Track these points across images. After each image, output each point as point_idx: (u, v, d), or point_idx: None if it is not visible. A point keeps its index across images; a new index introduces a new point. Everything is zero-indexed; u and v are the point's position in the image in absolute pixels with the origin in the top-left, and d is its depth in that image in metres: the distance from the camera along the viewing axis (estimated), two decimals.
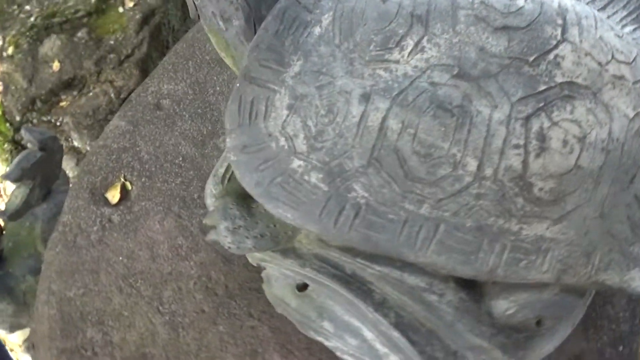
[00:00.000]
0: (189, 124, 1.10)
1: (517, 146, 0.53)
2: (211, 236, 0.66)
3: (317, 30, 0.61)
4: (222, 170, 0.74)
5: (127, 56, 1.75)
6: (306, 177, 0.57)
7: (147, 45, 1.78)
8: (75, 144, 1.65)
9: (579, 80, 0.54)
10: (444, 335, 0.64)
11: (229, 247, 0.64)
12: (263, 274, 0.76)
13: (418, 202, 0.55)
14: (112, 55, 1.72)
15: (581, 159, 0.55)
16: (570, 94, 0.53)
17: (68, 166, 1.58)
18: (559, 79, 0.53)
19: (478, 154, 0.53)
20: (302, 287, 0.71)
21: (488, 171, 0.53)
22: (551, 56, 0.54)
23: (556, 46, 0.54)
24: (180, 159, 1.06)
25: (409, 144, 0.54)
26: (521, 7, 0.56)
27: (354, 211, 0.57)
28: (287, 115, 0.59)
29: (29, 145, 1.18)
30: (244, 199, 0.68)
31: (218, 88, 1.16)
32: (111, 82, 1.72)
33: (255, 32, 0.64)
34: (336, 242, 0.61)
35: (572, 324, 0.71)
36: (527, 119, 0.53)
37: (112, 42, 1.73)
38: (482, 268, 0.57)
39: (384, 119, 0.54)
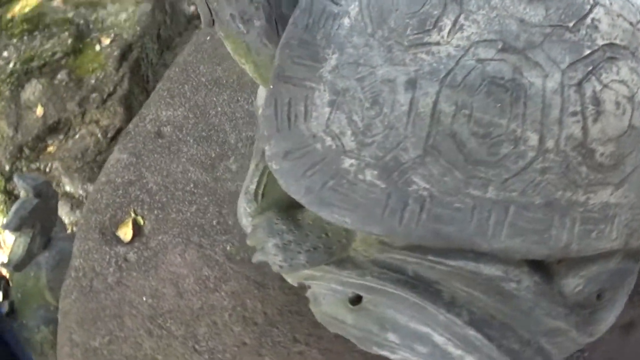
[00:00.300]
0: (195, 148, 1.05)
1: (574, 113, 0.51)
2: (258, 257, 0.61)
3: (346, 21, 0.57)
4: (253, 187, 0.69)
5: (110, 94, 1.70)
6: (360, 176, 0.53)
7: (128, 81, 1.74)
8: (68, 188, 1.58)
9: (617, 41, 0.53)
10: (518, 325, 0.60)
11: (281, 267, 0.58)
12: (308, 294, 0.71)
13: (483, 186, 0.52)
14: (94, 95, 1.68)
15: (633, 118, 0.54)
16: (613, 55, 0.52)
17: (63, 212, 1.50)
18: (600, 42, 0.52)
19: (537, 127, 0.50)
20: (356, 300, 0.66)
21: (550, 143, 0.51)
22: (588, 20, 0.53)
23: (591, 10, 0.53)
24: (192, 185, 1.00)
25: (465, 126, 0.51)
26: None
27: (418, 205, 0.52)
28: (330, 113, 0.54)
29: (22, 193, 1.12)
30: (287, 212, 0.63)
31: (219, 109, 1.11)
32: (96, 122, 1.66)
33: (278, 32, 0.60)
34: (403, 241, 0.56)
35: (627, 292, 0.69)
36: (580, 84, 0.51)
37: (93, 82, 1.69)
38: (557, 245, 0.54)
39: (435, 103, 0.51)
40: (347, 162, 0.53)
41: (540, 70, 0.51)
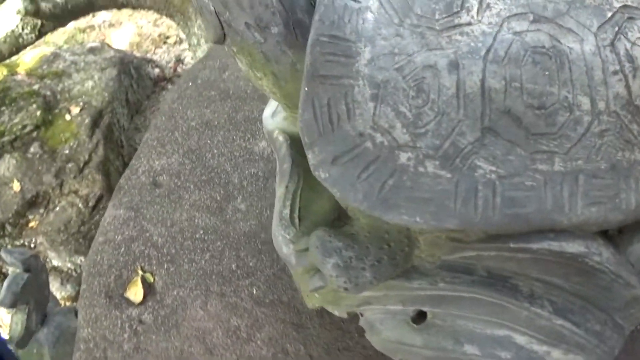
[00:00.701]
0: (197, 194, 0.98)
1: (615, 72, 0.51)
2: (315, 283, 0.54)
3: (369, 16, 0.54)
4: (287, 211, 0.63)
5: (86, 162, 1.64)
6: (421, 169, 0.48)
7: (102, 148, 1.69)
8: (55, 263, 1.46)
9: (629, 3, 0.54)
10: (597, 305, 0.56)
11: (346, 288, 0.52)
12: (362, 323, 0.64)
13: (549, 160, 0.49)
14: (70, 165, 1.61)
15: None
16: (630, 15, 0.53)
17: (54, 287, 1.37)
18: (616, 5, 0.53)
19: (587, 90, 0.50)
20: (419, 319, 0.59)
21: (601, 105, 0.50)
22: None
23: None
24: (201, 232, 0.92)
25: (519, 99, 0.48)
26: None
27: (490, 190, 0.48)
28: (375, 108, 0.50)
29: (10, 270, 1.02)
30: (334, 228, 0.57)
31: (216, 151, 1.05)
32: (75, 192, 1.57)
33: (297, 38, 0.56)
34: (480, 233, 0.51)
35: None
36: (612, 44, 0.52)
37: (67, 152, 1.63)
38: (629, 208, 0.51)
39: (483, 81, 0.49)
40: (404, 157, 0.49)
41: (575, 36, 0.51)
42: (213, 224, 0.93)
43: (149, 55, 2.38)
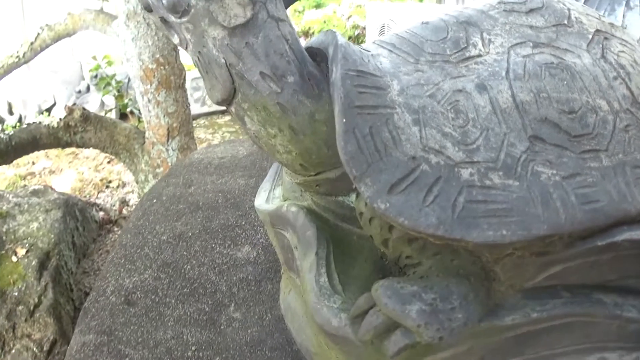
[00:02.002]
0: (182, 308, 0.84)
1: (615, 77, 0.56)
2: (400, 342, 0.43)
3: (384, 60, 0.54)
4: (324, 279, 0.54)
5: (36, 305, 1.47)
6: (488, 182, 0.45)
7: (52, 291, 1.52)
8: None
9: (599, 28, 0.62)
10: None
11: (441, 337, 0.42)
12: None
13: (596, 157, 0.49)
14: (20, 307, 1.43)
15: None
16: (605, 36, 0.61)
17: None
18: (591, 29, 0.61)
19: (600, 94, 0.54)
20: None
21: (616, 105, 0.54)
22: (573, 18, 0.62)
23: (570, 12, 0.63)
24: (193, 349, 0.77)
25: (551, 107, 0.50)
26: None
27: (561, 190, 0.46)
28: (420, 131, 0.47)
29: None
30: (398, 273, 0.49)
31: (195, 261, 0.94)
32: (29, 336, 1.38)
33: (312, 87, 0.53)
34: (566, 236, 0.46)
35: None
36: (604, 56, 0.58)
37: (16, 294, 1.45)
38: None
39: (513, 96, 0.51)
40: (466, 173, 0.45)
41: (572, 54, 0.57)
42: (206, 338, 0.78)
43: (92, 200, 2.26)
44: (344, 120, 0.46)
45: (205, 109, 3.09)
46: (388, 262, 0.55)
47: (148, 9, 0.54)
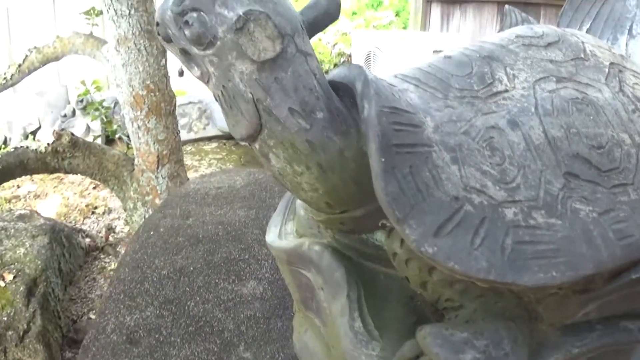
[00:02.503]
0: (188, 347, 0.80)
1: (634, 110, 0.57)
2: None
3: (412, 94, 0.53)
4: (359, 324, 0.51)
5: (25, 331, 1.43)
6: (532, 221, 0.44)
7: (40, 318, 1.47)
8: None
9: (612, 60, 0.64)
10: None
11: None
12: None
13: (624, 191, 0.50)
14: (10, 332, 1.41)
15: None
16: (619, 69, 0.63)
17: None
18: (607, 62, 0.62)
19: (622, 128, 0.54)
20: None
21: (637, 138, 0.55)
22: (588, 52, 0.63)
23: (584, 46, 0.64)
24: None
25: (581, 143, 0.51)
26: (544, 32, 0.65)
27: (600, 227, 0.46)
28: (459, 170, 0.46)
29: None
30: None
31: (198, 298, 0.90)
32: None
33: (341, 124, 0.51)
34: (606, 273, 0.45)
35: None
36: (621, 90, 0.59)
37: (5, 319, 1.42)
38: None
39: (545, 132, 0.50)
40: (510, 212, 0.44)
41: (593, 88, 0.57)
42: None
43: (78, 226, 2.19)
44: (383, 159, 0.44)
45: (192, 136, 3.05)
46: (421, 304, 0.53)
47: (167, 39, 0.52)
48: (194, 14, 0.48)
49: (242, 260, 0.99)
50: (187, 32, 0.49)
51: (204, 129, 3.16)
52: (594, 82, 0.58)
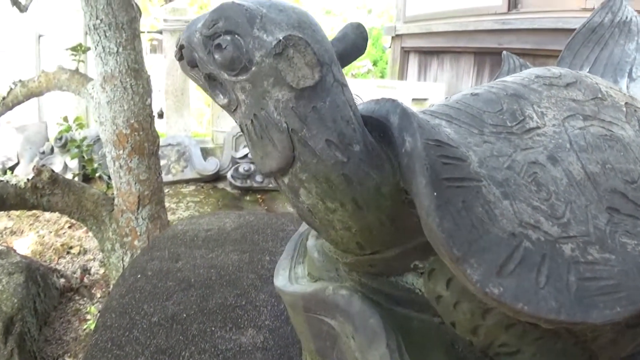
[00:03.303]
0: None
1: None
2: None
3: (448, 130, 0.52)
4: None
5: None
6: (589, 257, 0.43)
7: (17, 357, 1.37)
8: None
9: (627, 100, 0.65)
10: None
11: None
12: None
13: None
14: None
15: None
16: (635, 108, 0.64)
17: None
18: (622, 102, 0.63)
19: None
20: None
21: None
22: (604, 92, 0.64)
23: (599, 87, 0.64)
24: None
25: (617, 179, 0.50)
26: (561, 73, 0.66)
27: None
28: (511, 205, 0.44)
29: None
30: None
31: (194, 347, 0.83)
32: None
33: (376, 157, 0.49)
34: None
35: None
36: None
37: None
38: None
39: (584, 167, 0.50)
40: (567, 248, 0.42)
41: (616, 126, 0.58)
42: None
43: (52, 265, 2.05)
44: (435, 194, 0.41)
45: (170, 178, 2.97)
46: (463, 350, 0.49)
47: (192, 64, 0.49)
48: (228, 37, 0.45)
49: (239, 306, 0.92)
50: (218, 55, 0.46)
51: (182, 171, 3.09)
52: (616, 121, 0.58)
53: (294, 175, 0.48)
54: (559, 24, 2.05)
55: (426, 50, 3.20)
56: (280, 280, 0.68)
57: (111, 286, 1.82)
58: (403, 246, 0.51)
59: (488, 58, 2.65)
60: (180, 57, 0.51)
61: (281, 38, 0.44)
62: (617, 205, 0.47)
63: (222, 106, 0.50)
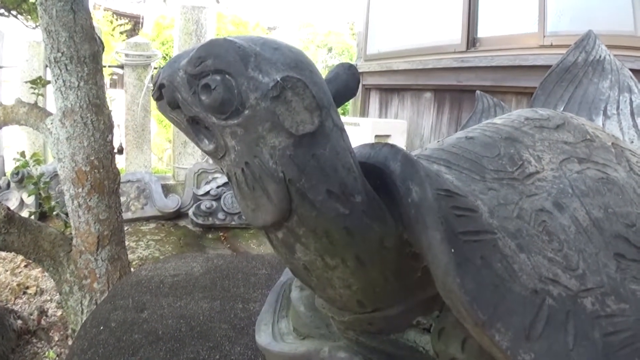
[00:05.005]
0: None
1: None
2: None
3: (449, 177, 0.49)
4: None
5: None
6: (608, 309, 0.41)
7: None
8: None
9: (613, 141, 0.65)
10: None
11: None
12: None
13: None
14: None
15: None
16: (621, 148, 0.64)
17: None
18: (609, 143, 0.63)
19: None
20: None
21: None
22: (592, 134, 0.63)
23: (585, 127, 0.65)
24: None
25: (619, 223, 0.49)
26: (548, 115, 0.65)
27: None
28: (527, 259, 0.41)
29: None
30: None
31: None
32: None
33: (378, 209, 0.44)
34: None
35: None
36: (631, 169, 0.60)
37: None
38: None
39: (588, 213, 0.48)
40: (588, 302, 0.40)
41: (610, 168, 0.57)
42: None
43: (8, 306, 1.86)
44: (453, 250, 0.37)
45: (129, 216, 2.82)
46: None
47: (173, 105, 0.43)
48: (217, 77, 0.40)
49: None
50: (205, 97, 0.40)
51: (142, 208, 2.95)
52: (608, 162, 0.58)
53: (290, 229, 0.43)
54: (517, 61, 2.13)
55: (387, 88, 3.26)
56: (264, 337, 0.62)
57: (69, 329, 1.67)
58: (406, 302, 0.47)
59: (448, 95, 2.72)
60: (159, 97, 0.45)
61: (279, 79, 0.39)
62: (622, 251, 0.46)
63: (207, 152, 0.44)
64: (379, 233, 0.44)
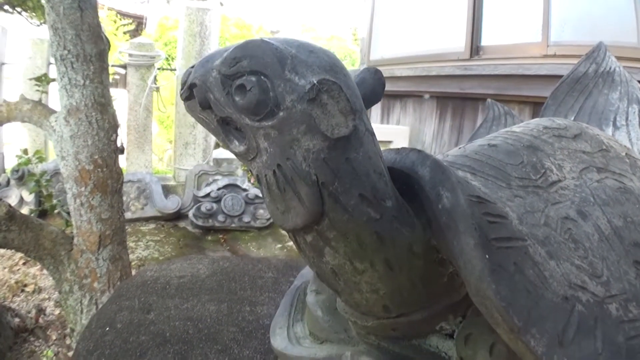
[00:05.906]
0: None
1: None
2: None
3: (475, 184, 0.49)
4: None
5: None
6: (630, 315, 0.43)
7: None
8: None
9: (626, 151, 0.66)
10: None
11: None
12: None
13: None
14: None
15: None
16: (635, 159, 0.65)
17: None
18: (623, 153, 0.64)
19: None
20: None
21: None
22: (607, 144, 0.64)
23: (600, 137, 0.65)
24: None
25: (636, 231, 0.50)
26: (566, 125, 0.66)
27: None
28: (557, 265, 0.41)
29: None
30: None
31: None
32: None
33: (407, 214, 0.44)
34: None
35: None
36: None
37: None
38: None
39: (610, 221, 0.49)
40: (613, 308, 0.41)
41: (625, 177, 0.58)
42: None
43: (6, 303, 1.85)
44: (487, 256, 0.37)
45: (129, 216, 2.80)
46: None
47: (204, 105, 0.43)
48: (253, 78, 0.40)
49: None
50: (239, 98, 0.40)
51: (142, 209, 2.94)
52: (624, 172, 0.58)
53: (320, 233, 0.43)
54: (520, 70, 2.14)
55: (389, 94, 3.27)
56: (279, 341, 0.62)
57: (68, 328, 1.65)
58: (432, 308, 0.47)
59: (450, 102, 2.73)
60: (188, 97, 0.45)
61: (315, 82, 0.40)
62: (638, 258, 0.47)
63: (237, 154, 0.44)
64: (408, 238, 0.44)
